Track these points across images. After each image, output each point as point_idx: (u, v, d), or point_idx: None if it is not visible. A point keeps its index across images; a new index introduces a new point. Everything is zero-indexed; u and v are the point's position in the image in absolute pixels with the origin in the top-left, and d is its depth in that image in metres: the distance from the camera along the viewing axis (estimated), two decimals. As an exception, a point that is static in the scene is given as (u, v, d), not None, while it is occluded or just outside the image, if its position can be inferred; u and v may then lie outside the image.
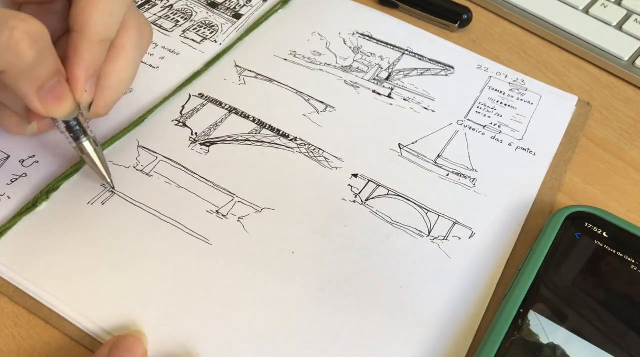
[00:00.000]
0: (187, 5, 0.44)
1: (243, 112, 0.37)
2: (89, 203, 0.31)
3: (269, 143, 0.36)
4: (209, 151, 0.35)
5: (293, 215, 0.32)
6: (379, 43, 0.43)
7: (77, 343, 0.27)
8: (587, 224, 0.32)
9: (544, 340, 0.27)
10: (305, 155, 0.35)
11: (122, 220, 0.31)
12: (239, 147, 0.35)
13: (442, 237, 0.32)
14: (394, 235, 0.32)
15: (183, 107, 0.37)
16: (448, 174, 0.35)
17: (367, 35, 0.44)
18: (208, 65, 0.39)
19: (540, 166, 0.37)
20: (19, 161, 0.33)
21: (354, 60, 0.42)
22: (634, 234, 0.32)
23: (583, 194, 0.36)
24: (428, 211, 0.33)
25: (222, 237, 0.31)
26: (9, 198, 0.31)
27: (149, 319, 0.28)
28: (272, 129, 0.36)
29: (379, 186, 0.34)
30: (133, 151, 0.34)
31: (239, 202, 0.33)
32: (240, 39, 0.42)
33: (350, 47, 0.43)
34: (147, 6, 0.44)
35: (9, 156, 0.33)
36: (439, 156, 0.36)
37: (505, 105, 0.40)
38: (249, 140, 0.36)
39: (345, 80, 0.40)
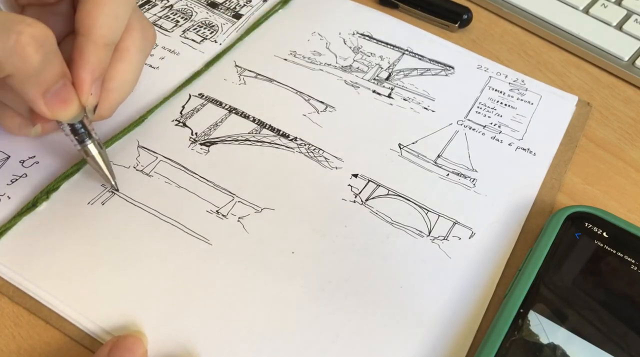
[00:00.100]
0: (187, 5, 0.44)
1: (243, 112, 0.37)
2: (89, 203, 0.31)
3: (269, 143, 0.36)
4: (209, 151, 0.35)
5: (293, 215, 0.32)
6: (379, 43, 0.43)
7: (77, 343, 0.27)
8: (587, 224, 0.32)
9: (544, 340, 0.27)
10: (305, 155, 0.35)
11: (122, 220, 0.31)
12: (239, 147, 0.35)
13: (442, 237, 0.32)
14: (394, 235, 0.32)
15: (183, 107, 0.37)
16: (448, 174, 0.35)
17: (367, 35, 0.44)
18: (208, 65, 0.39)
19: (540, 166, 0.37)
20: (19, 161, 0.33)
21: (354, 60, 0.42)
22: (634, 234, 0.32)
23: (583, 194, 0.36)
24: (428, 211, 0.33)
25: (222, 237, 0.31)
26: (9, 198, 0.31)
27: (149, 319, 0.28)
28: (272, 129, 0.36)
29: (379, 185, 0.34)
30: (133, 151, 0.34)
31: (239, 202, 0.33)
32: (240, 39, 0.42)
33: (350, 47, 0.43)
34: (147, 6, 0.44)
35: (9, 156, 0.33)
36: (439, 156, 0.36)
37: (505, 105, 0.40)
38: (249, 140, 0.36)
39: (345, 80, 0.40)
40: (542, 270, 0.30)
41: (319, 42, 0.43)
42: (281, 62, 0.41)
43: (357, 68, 0.41)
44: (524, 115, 0.40)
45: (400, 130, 0.37)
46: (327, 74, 0.40)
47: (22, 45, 0.24)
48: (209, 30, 0.42)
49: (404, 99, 0.39)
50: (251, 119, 0.37)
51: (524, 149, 0.37)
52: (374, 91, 0.40)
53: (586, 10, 0.47)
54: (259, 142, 0.36)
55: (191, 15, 0.43)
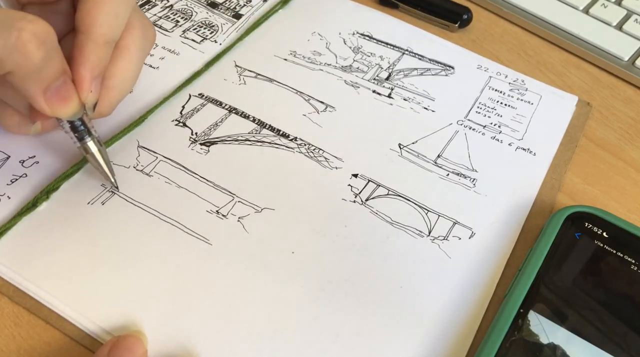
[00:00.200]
0: (187, 5, 0.44)
1: (243, 112, 0.37)
2: (89, 203, 0.31)
3: (269, 143, 0.36)
4: (209, 151, 0.35)
5: (293, 215, 0.32)
6: (379, 43, 0.43)
7: (77, 343, 0.27)
8: (587, 224, 0.32)
9: (544, 340, 0.27)
10: (305, 155, 0.35)
11: (122, 220, 0.31)
12: (239, 147, 0.35)
13: (442, 237, 0.32)
14: (394, 235, 0.32)
15: (183, 107, 0.37)
16: (448, 174, 0.35)
17: (367, 35, 0.44)
18: (208, 65, 0.39)
19: (540, 166, 0.37)
20: (19, 161, 0.33)
21: (354, 60, 0.42)
22: (634, 234, 0.32)
23: (583, 194, 0.36)
24: (428, 211, 0.33)
25: (222, 237, 0.31)
26: (9, 198, 0.31)
27: (149, 319, 0.28)
28: (272, 129, 0.36)
29: (379, 185, 0.34)
30: (133, 151, 0.34)
31: (239, 202, 0.33)
32: (240, 39, 0.42)
33: (350, 47, 0.43)
34: (147, 6, 0.44)
35: (9, 156, 0.33)
36: (439, 156, 0.36)
37: (505, 105, 0.40)
38: (249, 140, 0.36)
39: (345, 80, 0.40)
40: (542, 270, 0.30)
41: (319, 42, 0.43)
42: (281, 62, 0.41)
43: (357, 68, 0.41)
44: (524, 115, 0.40)
45: (400, 130, 0.37)
46: (327, 74, 0.40)
47: (23, 42, 0.24)
48: (209, 30, 0.42)
49: (404, 99, 0.39)
50: (251, 119, 0.37)
51: (524, 149, 0.37)
52: (374, 91, 0.40)
53: (586, 10, 0.47)
54: (259, 142, 0.36)
55: (191, 15, 0.43)
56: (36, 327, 0.28)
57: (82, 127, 0.30)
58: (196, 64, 0.40)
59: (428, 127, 0.38)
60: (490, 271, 0.31)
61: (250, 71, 0.40)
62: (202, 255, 0.30)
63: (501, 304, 0.29)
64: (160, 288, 0.29)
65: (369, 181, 0.34)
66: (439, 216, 0.33)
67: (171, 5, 0.44)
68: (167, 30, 0.42)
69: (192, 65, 0.40)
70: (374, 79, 0.41)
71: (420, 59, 0.42)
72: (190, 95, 0.38)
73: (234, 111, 0.37)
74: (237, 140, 0.36)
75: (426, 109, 0.39)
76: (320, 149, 0.36)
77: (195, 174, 0.34)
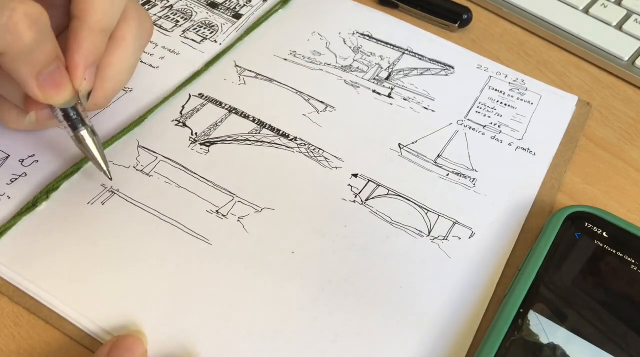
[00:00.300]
0: (187, 5, 0.44)
1: (243, 112, 0.37)
2: (89, 203, 0.31)
3: (269, 143, 0.36)
4: (209, 151, 0.35)
5: (293, 215, 0.32)
6: (379, 43, 0.43)
7: (77, 343, 0.27)
8: (587, 224, 0.32)
9: (544, 340, 0.27)
10: (305, 155, 0.35)
11: (122, 220, 0.31)
12: (239, 147, 0.35)
13: (442, 237, 0.32)
14: (394, 235, 0.32)
15: (183, 107, 0.37)
16: (448, 174, 0.35)
17: (367, 35, 0.44)
18: (208, 65, 0.39)
19: (540, 166, 0.37)
20: (19, 161, 0.33)
21: (354, 60, 0.42)
22: (634, 234, 0.32)
23: (583, 194, 0.36)
24: (428, 211, 0.33)
25: (222, 237, 0.31)
26: (9, 198, 0.31)
27: (149, 319, 0.28)
28: (272, 129, 0.36)
29: (379, 185, 0.34)
30: (133, 151, 0.34)
31: (239, 202, 0.33)
32: (240, 39, 0.42)
33: (350, 47, 0.43)
34: (147, 6, 0.44)
35: (9, 156, 0.33)
36: (439, 156, 0.36)
37: (505, 105, 0.40)
38: (249, 140, 0.36)
39: (345, 80, 0.40)
40: (542, 270, 0.30)
41: (319, 42, 0.43)
42: (281, 62, 0.41)
43: (357, 68, 0.41)
44: (524, 115, 0.40)
45: (400, 130, 0.37)
46: (327, 74, 0.40)
47: (15, 22, 0.24)
48: (209, 30, 0.42)
49: (404, 99, 0.39)
50: (251, 119, 0.37)
51: (524, 149, 0.37)
52: (374, 91, 0.40)
53: (586, 10, 0.47)
54: (259, 142, 0.36)
55: (191, 15, 0.43)
56: (36, 327, 0.28)
57: (75, 116, 0.29)
58: (196, 64, 0.40)
59: (428, 127, 0.38)
60: (490, 271, 0.31)
61: (250, 71, 0.40)
62: (202, 255, 0.30)
63: (501, 304, 0.29)
64: (160, 288, 0.29)
65: (369, 180, 0.34)
66: (439, 216, 0.33)
67: (171, 5, 0.44)
68: (167, 30, 0.42)
69: (192, 65, 0.40)
70: (374, 78, 0.41)
71: (420, 59, 0.42)
72: (190, 95, 0.38)
73: (234, 111, 0.37)
74: (237, 140, 0.36)
75: (426, 109, 0.39)
76: (320, 149, 0.36)
77: (195, 174, 0.34)
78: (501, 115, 0.39)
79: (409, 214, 0.33)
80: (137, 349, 0.26)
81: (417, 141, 0.37)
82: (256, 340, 0.28)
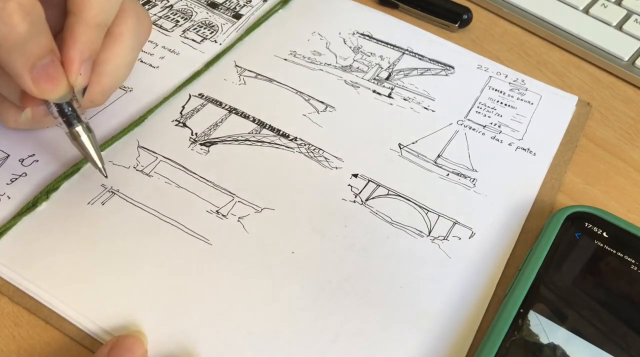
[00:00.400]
0: (187, 5, 0.44)
1: (243, 112, 0.37)
2: (89, 203, 0.31)
3: (269, 143, 0.36)
4: (209, 151, 0.35)
5: (293, 215, 0.32)
6: (379, 43, 0.43)
7: (77, 343, 0.27)
8: (587, 224, 0.32)
9: (544, 340, 0.27)
10: (305, 155, 0.35)
11: (122, 220, 0.31)
12: (239, 147, 0.35)
13: (442, 237, 0.32)
14: (394, 235, 0.32)
15: (183, 107, 0.37)
16: (448, 174, 0.35)
17: (367, 35, 0.44)
18: (208, 65, 0.39)
19: (540, 166, 0.37)
20: (19, 160, 0.33)
21: (354, 60, 0.42)
22: (634, 234, 0.32)
23: (583, 194, 0.36)
24: (428, 211, 0.33)
25: (222, 237, 0.31)
26: (9, 198, 0.31)
27: (149, 319, 0.28)
28: (272, 129, 0.36)
29: (379, 185, 0.34)
30: (133, 151, 0.34)
31: (239, 202, 0.33)
32: (240, 39, 0.42)
33: (350, 47, 0.43)
34: (147, 6, 0.44)
35: (9, 155, 0.33)
36: (439, 156, 0.36)
37: (505, 105, 0.40)
38: (249, 140, 0.36)
39: (345, 80, 0.40)
40: (542, 270, 0.30)
41: (319, 42, 0.43)
42: (281, 62, 0.41)
43: (357, 68, 0.41)
44: (524, 115, 0.40)
45: (400, 130, 0.37)
46: (327, 74, 0.40)
47: (8, 13, 0.24)
48: (209, 30, 0.42)
49: (404, 99, 0.39)
50: (251, 119, 0.37)
51: (524, 149, 0.37)
52: (374, 91, 0.40)
53: (586, 10, 0.47)
54: (259, 142, 0.36)
55: (191, 15, 0.43)
56: (36, 327, 0.28)
57: (70, 113, 0.29)
58: (196, 64, 0.40)
59: (428, 127, 0.38)
60: (490, 271, 0.31)
61: (250, 71, 0.40)
62: (202, 255, 0.30)
63: (501, 304, 0.29)
64: (160, 288, 0.29)
65: (369, 180, 0.34)
66: (439, 216, 0.33)
67: (171, 5, 0.44)
68: (167, 30, 0.42)
69: (192, 65, 0.40)
70: (374, 78, 0.41)
71: (420, 58, 0.42)
72: (190, 95, 0.38)
73: (234, 111, 0.37)
74: (237, 140, 0.36)
75: (426, 108, 0.39)
76: (320, 149, 0.36)
77: (195, 174, 0.34)
78: (501, 115, 0.39)
79: (409, 214, 0.33)
80: (137, 349, 0.26)
81: (417, 141, 0.37)
82: (256, 340, 0.28)
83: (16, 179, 0.32)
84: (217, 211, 0.32)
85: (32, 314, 0.28)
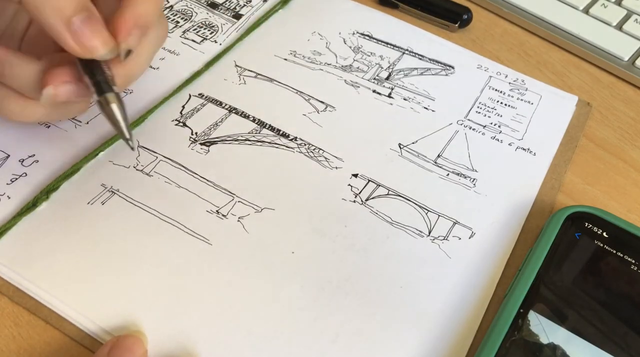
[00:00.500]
0: (187, 5, 0.44)
1: (243, 112, 0.37)
2: (89, 203, 0.31)
3: (269, 143, 0.36)
4: (209, 151, 0.35)
5: (293, 215, 0.32)
6: (379, 43, 0.43)
7: (77, 343, 0.27)
8: (587, 224, 0.32)
9: (544, 340, 0.27)
10: (305, 155, 0.35)
11: (122, 220, 0.31)
12: (239, 147, 0.35)
13: (442, 237, 0.32)
14: (394, 235, 0.32)
15: (183, 107, 0.37)
16: (448, 174, 0.35)
17: (367, 35, 0.44)
18: (208, 65, 0.39)
19: (540, 166, 0.37)
20: (19, 161, 0.33)
21: (354, 60, 0.42)
22: (634, 234, 0.32)
23: (583, 194, 0.36)
24: (428, 210, 0.33)
25: (222, 237, 0.31)
26: (9, 198, 0.31)
27: (149, 319, 0.28)
28: (272, 128, 0.36)
29: (379, 185, 0.34)
30: (133, 151, 0.34)
31: (239, 202, 0.33)
32: (240, 39, 0.42)
33: (350, 47, 0.43)
34: (147, 6, 0.43)
35: (9, 156, 0.33)
36: (439, 156, 0.36)
37: (505, 105, 0.40)
38: (249, 140, 0.36)
39: (345, 80, 0.40)
40: (542, 270, 0.30)
41: (319, 41, 0.43)
42: (281, 62, 0.41)
43: (357, 68, 0.41)
44: (524, 115, 0.40)
45: (400, 130, 0.37)
46: (327, 74, 0.40)
47: None
48: (209, 30, 0.42)
49: (404, 99, 0.39)
50: (251, 119, 0.37)
51: (524, 149, 0.37)
52: (374, 91, 0.40)
53: (586, 10, 0.47)
54: (259, 142, 0.36)
55: (191, 15, 0.43)
56: (36, 327, 0.28)
57: (101, 77, 0.27)
58: (196, 64, 0.40)
59: (428, 127, 0.38)
60: (490, 271, 0.31)
61: (250, 71, 0.40)
62: (202, 255, 0.30)
63: (501, 304, 0.29)
64: (160, 288, 0.29)
65: (369, 180, 0.34)
66: (439, 216, 0.33)
67: (171, 6, 0.44)
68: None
69: (192, 66, 0.40)
70: (374, 78, 0.41)
71: (420, 58, 0.42)
72: (190, 95, 0.38)
73: (234, 111, 0.37)
74: (237, 140, 0.36)
75: (426, 108, 0.39)
76: (320, 149, 0.36)
77: (195, 174, 0.34)
78: (501, 115, 0.39)
79: (409, 214, 0.33)
80: (137, 349, 0.26)
81: (417, 141, 0.37)
82: (256, 340, 0.28)
83: (16, 179, 0.32)
84: (217, 211, 0.32)
85: (32, 314, 0.28)
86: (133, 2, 0.28)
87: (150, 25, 0.29)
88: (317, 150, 0.36)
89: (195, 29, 0.42)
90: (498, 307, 0.29)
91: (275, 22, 0.44)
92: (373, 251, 0.31)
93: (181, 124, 0.36)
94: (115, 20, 0.27)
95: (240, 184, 0.33)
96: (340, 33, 0.43)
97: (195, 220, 0.31)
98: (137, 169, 0.33)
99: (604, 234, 0.32)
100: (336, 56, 0.42)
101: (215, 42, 0.42)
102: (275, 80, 0.39)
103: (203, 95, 0.38)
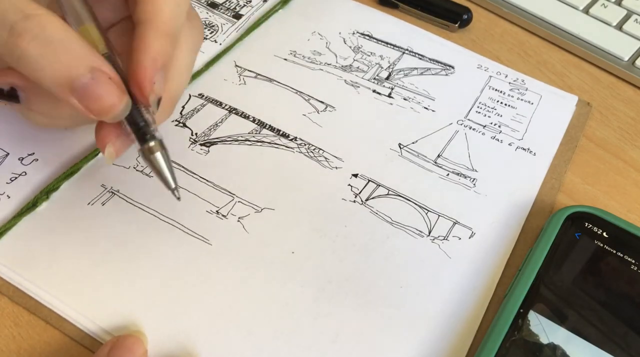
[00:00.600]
0: (187, 5, 0.44)
1: (243, 112, 0.37)
2: (89, 203, 0.31)
3: (269, 143, 0.36)
4: (209, 151, 0.35)
5: (293, 215, 0.32)
6: (379, 42, 0.43)
7: (77, 343, 0.27)
8: (587, 224, 0.32)
9: (544, 340, 0.27)
10: (305, 155, 0.35)
11: (122, 220, 0.31)
12: (239, 147, 0.35)
13: (442, 237, 0.32)
14: (394, 235, 0.32)
15: (183, 107, 0.37)
16: (448, 174, 0.35)
17: (367, 35, 0.44)
18: (208, 65, 0.39)
19: (540, 166, 0.37)
20: (18, 159, 0.33)
21: (354, 60, 0.42)
22: (634, 234, 0.32)
23: (583, 194, 0.36)
24: (428, 211, 0.33)
25: (222, 237, 0.31)
26: (9, 197, 0.31)
27: (149, 319, 0.28)
28: (272, 129, 0.36)
29: (379, 185, 0.34)
30: (133, 151, 0.34)
31: (239, 202, 0.33)
32: (240, 39, 0.42)
33: (350, 47, 0.43)
34: (147, 6, 0.43)
35: (8, 154, 0.33)
36: (439, 156, 0.36)
37: (505, 105, 0.40)
38: (249, 141, 0.36)
39: (345, 80, 0.40)
40: (542, 270, 0.30)
41: (319, 41, 0.43)
42: (281, 62, 0.41)
43: (357, 68, 0.41)
44: (524, 115, 0.40)
45: (400, 130, 0.37)
46: (327, 74, 0.40)
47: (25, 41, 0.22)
48: (209, 30, 0.42)
49: (404, 99, 0.39)
50: (251, 119, 0.37)
51: (524, 149, 0.37)
52: (374, 91, 0.40)
53: (586, 10, 0.47)
54: (259, 142, 0.36)
55: (191, 15, 0.43)
56: (36, 327, 0.28)
57: (143, 124, 0.25)
58: (196, 64, 0.40)
59: (428, 127, 0.38)
60: (490, 271, 0.31)
61: (250, 71, 0.40)
62: (202, 255, 0.30)
63: (501, 304, 0.29)
64: (160, 288, 0.29)
65: (369, 180, 0.34)
66: (439, 216, 0.33)
67: (171, 5, 0.44)
68: (167, 30, 0.42)
69: (192, 65, 0.39)
70: (374, 78, 0.41)
71: (420, 58, 0.42)
72: (190, 96, 0.38)
73: (234, 111, 0.37)
74: (237, 140, 0.36)
75: (426, 108, 0.39)
76: (320, 149, 0.36)
77: (195, 174, 0.34)
78: (501, 115, 0.39)
79: (409, 214, 0.33)
80: (137, 349, 0.26)
81: (417, 141, 0.37)
82: (256, 340, 0.28)
83: (16, 178, 0.32)
84: (217, 211, 0.32)
85: (32, 314, 0.28)
86: (148, 42, 0.25)
87: (169, 58, 0.26)
88: (317, 150, 0.36)
89: (195, 29, 0.42)
90: (498, 307, 0.29)
91: (275, 22, 0.44)
92: (373, 251, 0.31)
93: (181, 124, 0.36)
94: (133, 73, 0.25)
95: (240, 184, 0.33)
96: (340, 33, 0.43)
97: (195, 220, 0.31)
98: (137, 170, 0.33)
99: (604, 234, 0.32)
100: (336, 56, 0.42)
101: (215, 42, 0.42)
102: (275, 81, 0.39)
103: (203, 96, 0.38)
